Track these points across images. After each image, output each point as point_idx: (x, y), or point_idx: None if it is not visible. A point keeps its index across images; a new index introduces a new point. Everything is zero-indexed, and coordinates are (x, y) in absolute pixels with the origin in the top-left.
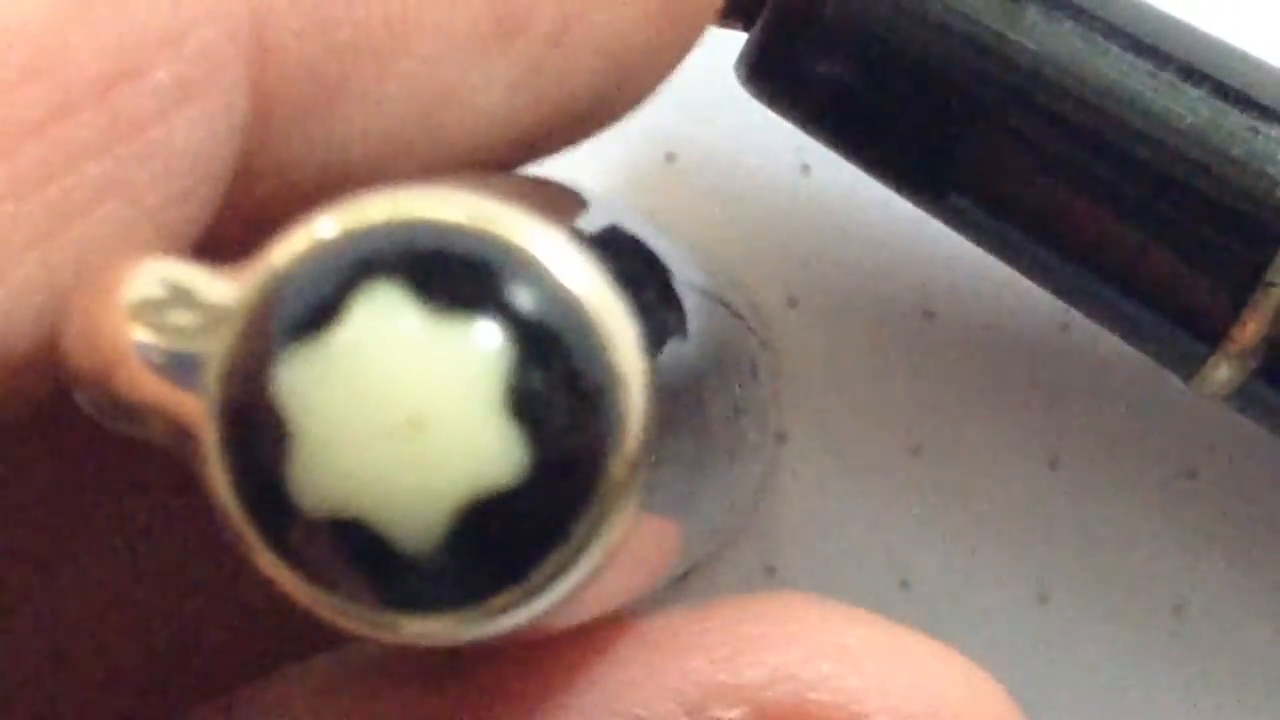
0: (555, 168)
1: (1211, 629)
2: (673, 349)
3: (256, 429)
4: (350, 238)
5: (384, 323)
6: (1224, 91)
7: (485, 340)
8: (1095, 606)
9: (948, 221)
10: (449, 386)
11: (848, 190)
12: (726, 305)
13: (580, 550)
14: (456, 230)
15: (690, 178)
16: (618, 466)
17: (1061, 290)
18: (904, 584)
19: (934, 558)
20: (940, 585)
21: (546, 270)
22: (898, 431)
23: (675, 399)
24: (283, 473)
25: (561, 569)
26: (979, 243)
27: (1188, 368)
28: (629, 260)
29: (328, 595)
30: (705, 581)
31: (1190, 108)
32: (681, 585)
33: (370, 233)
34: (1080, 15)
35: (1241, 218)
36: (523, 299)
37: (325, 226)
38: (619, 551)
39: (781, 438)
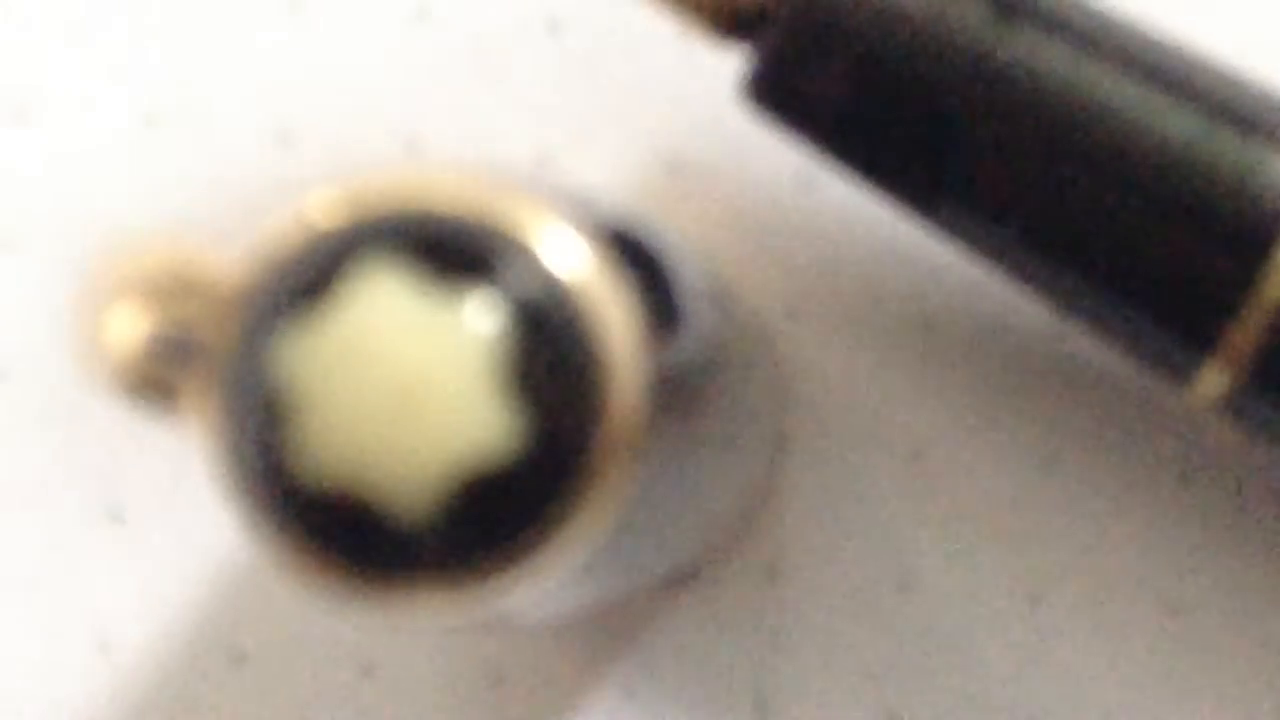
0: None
1: (1205, 633)
2: (669, 338)
3: (256, 406)
4: (348, 219)
5: (381, 301)
6: (1210, 104)
7: (481, 318)
8: (1090, 610)
9: (943, 237)
10: (444, 363)
11: (848, 202)
12: (726, 302)
13: (573, 527)
14: (455, 212)
15: (691, 189)
16: (610, 447)
17: (1054, 303)
18: (902, 586)
19: (931, 561)
20: (937, 588)
21: (543, 252)
22: (896, 438)
23: (669, 386)
24: (282, 448)
25: (555, 545)
26: (976, 258)
27: (1178, 379)
28: (629, 251)
29: (329, 569)
30: (708, 583)
31: (1177, 120)
32: (684, 587)
33: (368, 214)
34: (1071, 35)
35: (1229, 229)
36: (519, 279)
37: (323, 208)
38: (611, 530)
39: (783, 444)
